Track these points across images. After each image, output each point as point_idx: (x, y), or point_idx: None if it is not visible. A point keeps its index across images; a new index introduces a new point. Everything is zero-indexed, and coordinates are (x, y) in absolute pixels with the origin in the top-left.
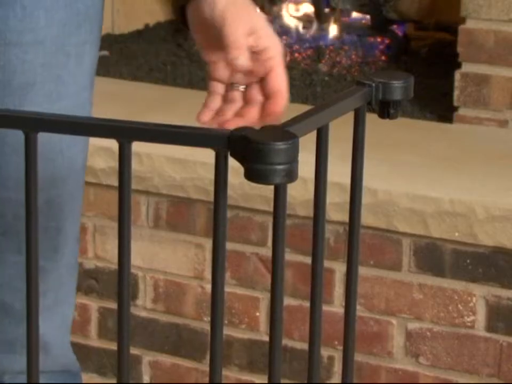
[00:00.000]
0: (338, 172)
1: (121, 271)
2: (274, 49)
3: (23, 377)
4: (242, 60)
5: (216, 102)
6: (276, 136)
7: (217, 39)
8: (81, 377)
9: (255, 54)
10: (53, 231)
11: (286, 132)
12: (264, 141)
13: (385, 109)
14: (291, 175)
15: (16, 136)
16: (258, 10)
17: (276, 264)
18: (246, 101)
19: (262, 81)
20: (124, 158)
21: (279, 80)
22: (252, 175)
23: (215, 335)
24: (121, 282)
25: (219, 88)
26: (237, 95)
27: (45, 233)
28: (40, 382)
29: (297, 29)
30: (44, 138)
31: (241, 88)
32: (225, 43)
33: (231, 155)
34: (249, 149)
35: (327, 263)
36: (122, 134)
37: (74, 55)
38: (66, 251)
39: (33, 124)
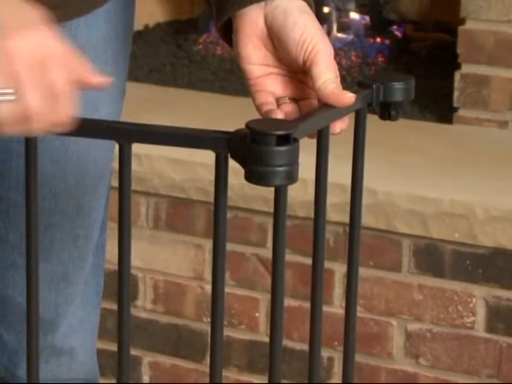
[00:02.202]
0: (338, 173)
1: (121, 272)
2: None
3: None
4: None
5: (279, 115)
6: (276, 138)
7: (278, 51)
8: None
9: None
10: (82, 240)
11: (287, 134)
12: (265, 143)
13: (386, 111)
14: (291, 176)
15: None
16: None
17: (276, 266)
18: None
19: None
20: (124, 159)
21: (338, 98)
22: (252, 177)
23: (215, 336)
24: (121, 283)
25: (269, 99)
26: (288, 107)
27: (74, 242)
28: None
29: None
30: (80, 148)
31: (288, 100)
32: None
33: (231, 157)
34: (250, 150)
35: (326, 264)
36: (122, 135)
37: (111, 63)
38: (92, 259)
39: None
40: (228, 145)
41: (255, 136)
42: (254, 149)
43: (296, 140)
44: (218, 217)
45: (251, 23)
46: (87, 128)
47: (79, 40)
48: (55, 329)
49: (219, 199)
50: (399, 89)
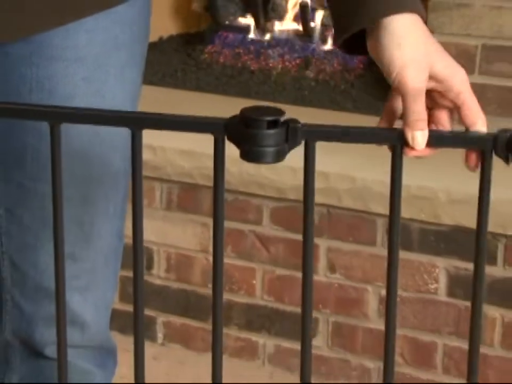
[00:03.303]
0: (323, 162)
1: (136, 245)
2: (460, 82)
3: None
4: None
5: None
6: (266, 123)
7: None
8: (116, 354)
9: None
10: (88, 226)
11: (275, 120)
12: (258, 127)
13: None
14: (279, 155)
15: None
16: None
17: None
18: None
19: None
20: (136, 144)
21: (474, 111)
22: (246, 156)
23: (216, 300)
24: (135, 255)
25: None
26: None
27: (80, 227)
28: (77, 355)
29: (288, 41)
30: (84, 142)
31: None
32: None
33: (228, 139)
34: (244, 134)
35: None
36: (133, 123)
37: (114, 74)
38: (100, 243)
39: (56, 116)
40: (224, 129)
41: (249, 121)
42: (247, 132)
43: (284, 125)
44: (218, 191)
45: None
46: (101, 116)
47: (79, 50)
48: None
49: (218, 177)
50: None
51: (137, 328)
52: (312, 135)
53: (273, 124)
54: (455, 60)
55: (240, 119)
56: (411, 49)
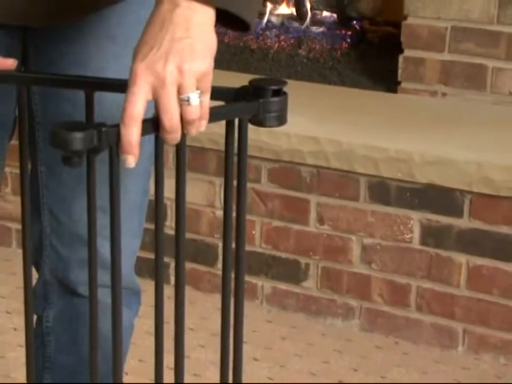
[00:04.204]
0: (313, 129)
1: (157, 201)
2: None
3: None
4: None
5: None
6: (271, 91)
7: None
8: (140, 295)
9: None
10: None
11: (279, 89)
12: (262, 95)
13: None
14: (281, 120)
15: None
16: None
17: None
18: None
19: None
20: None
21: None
22: (253, 120)
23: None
24: (157, 210)
25: None
26: None
27: (107, 183)
28: (106, 295)
29: (283, 23)
30: (116, 110)
31: None
32: None
33: None
34: (252, 101)
35: (304, 195)
36: None
37: None
38: (127, 198)
39: (90, 85)
40: (235, 97)
41: (256, 90)
42: (255, 99)
43: (285, 94)
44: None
45: None
46: (116, 84)
47: (111, 30)
48: (96, 246)
49: (228, 139)
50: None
51: (159, 273)
52: None
53: (277, 93)
54: (428, 40)
55: (249, 88)
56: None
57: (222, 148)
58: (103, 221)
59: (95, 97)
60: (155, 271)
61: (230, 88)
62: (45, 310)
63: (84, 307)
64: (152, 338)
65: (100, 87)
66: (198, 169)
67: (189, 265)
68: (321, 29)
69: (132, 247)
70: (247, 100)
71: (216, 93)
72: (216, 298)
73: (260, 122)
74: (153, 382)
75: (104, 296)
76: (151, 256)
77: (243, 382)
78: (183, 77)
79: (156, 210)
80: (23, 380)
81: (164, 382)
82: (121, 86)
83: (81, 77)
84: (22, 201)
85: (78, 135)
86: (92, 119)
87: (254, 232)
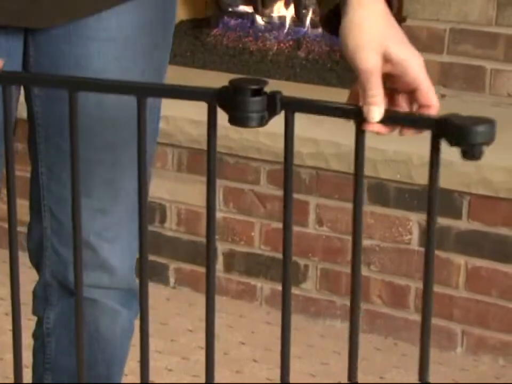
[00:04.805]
0: (313, 130)
1: (140, 204)
2: (415, 67)
3: (92, 290)
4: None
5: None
6: (251, 91)
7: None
8: None
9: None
10: (116, 185)
11: (259, 89)
12: (245, 95)
13: None
14: (261, 120)
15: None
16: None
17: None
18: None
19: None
20: (141, 111)
21: (428, 96)
22: (234, 120)
23: (209, 247)
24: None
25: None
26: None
27: (109, 185)
28: (105, 296)
29: (282, 25)
30: (115, 112)
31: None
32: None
33: (219, 106)
34: (232, 101)
35: (303, 197)
36: (139, 91)
37: (142, 53)
38: (127, 201)
39: (73, 85)
40: (216, 97)
41: (236, 90)
42: (235, 99)
43: (265, 95)
44: (211, 148)
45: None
46: (111, 85)
47: (111, 32)
48: (96, 248)
49: (211, 138)
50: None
51: (143, 271)
52: (290, 106)
53: (257, 92)
54: (427, 41)
55: (229, 88)
56: (366, 31)
57: (221, 149)
58: (103, 223)
59: (94, 99)
60: (139, 273)
61: (211, 89)
62: (45, 311)
63: (84, 308)
64: (152, 340)
65: (83, 87)
66: (197, 171)
67: (188, 267)
68: (320, 31)
69: (132, 249)
70: (228, 100)
71: (197, 94)
72: (216, 299)
73: (240, 122)
74: (153, 382)
75: (103, 297)
76: (151, 257)
77: (241, 382)
78: None
79: (139, 212)
80: (23, 381)
81: (164, 382)
82: (104, 86)
83: (64, 77)
84: (7, 197)
85: None
86: (75, 119)
87: (253, 233)
